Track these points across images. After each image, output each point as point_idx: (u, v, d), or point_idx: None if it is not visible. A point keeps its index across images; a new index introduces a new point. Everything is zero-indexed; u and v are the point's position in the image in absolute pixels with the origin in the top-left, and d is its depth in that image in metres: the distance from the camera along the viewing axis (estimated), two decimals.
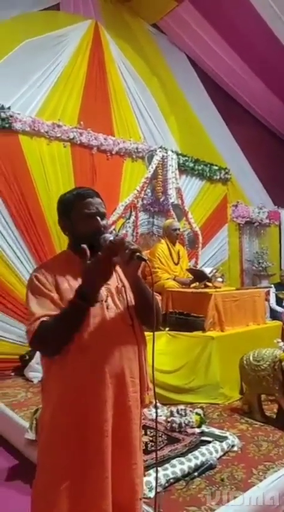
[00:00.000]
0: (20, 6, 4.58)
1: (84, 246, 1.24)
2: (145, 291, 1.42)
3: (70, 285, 1.33)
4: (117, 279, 1.44)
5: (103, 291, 1.36)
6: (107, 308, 1.35)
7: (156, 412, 1.44)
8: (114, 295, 1.40)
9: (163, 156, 5.38)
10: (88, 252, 1.23)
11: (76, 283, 1.31)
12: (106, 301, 1.36)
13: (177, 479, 2.10)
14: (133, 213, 5.08)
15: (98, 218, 1.39)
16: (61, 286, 1.33)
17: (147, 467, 2.09)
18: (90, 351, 1.29)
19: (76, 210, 1.40)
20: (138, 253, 1.27)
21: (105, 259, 1.25)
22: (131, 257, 1.27)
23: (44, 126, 4.38)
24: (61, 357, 1.28)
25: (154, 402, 1.47)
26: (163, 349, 3.69)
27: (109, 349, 1.33)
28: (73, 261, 1.39)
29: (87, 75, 5.00)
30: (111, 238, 1.34)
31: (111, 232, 1.75)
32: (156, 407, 1.49)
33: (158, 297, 1.45)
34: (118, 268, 1.42)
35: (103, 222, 1.40)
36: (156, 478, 1.56)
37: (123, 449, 1.33)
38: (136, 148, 5.24)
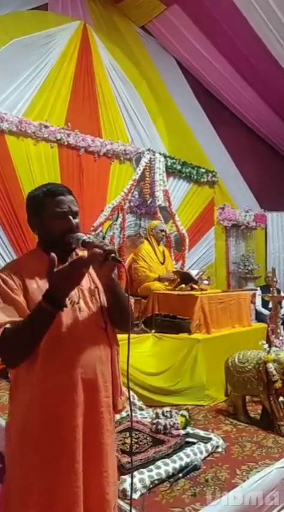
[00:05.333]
0: (9, 5, 4.55)
1: (53, 255, 1.12)
2: (119, 293, 1.37)
3: (39, 286, 1.26)
4: (90, 280, 1.38)
5: (75, 293, 1.30)
6: (79, 310, 1.30)
7: (131, 413, 1.41)
8: (87, 297, 1.34)
9: (150, 158, 5.39)
10: (56, 262, 1.12)
11: (46, 284, 1.21)
12: (78, 303, 1.30)
13: (161, 481, 2.10)
14: (120, 215, 5.08)
15: (70, 217, 1.32)
16: (29, 287, 1.26)
17: (132, 469, 2.09)
18: (61, 355, 1.23)
19: (47, 208, 1.32)
20: (113, 255, 1.24)
21: (75, 268, 1.14)
22: (106, 258, 1.22)
23: (31, 127, 4.35)
24: (30, 362, 1.21)
25: (128, 407, 1.43)
26: (149, 351, 3.69)
27: (82, 353, 1.27)
28: (43, 260, 1.28)
29: (75, 76, 4.98)
30: (84, 238, 1.30)
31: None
32: (130, 406, 1.42)
33: (131, 299, 1.41)
34: (91, 269, 1.35)
35: (76, 221, 1.34)
36: (132, 484, 1.52)
37: (94, 456, 1.28)
38: (124, 150, 5.24)
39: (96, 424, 1.29)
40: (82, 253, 1.39)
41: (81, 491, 1.22)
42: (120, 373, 1.40)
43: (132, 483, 1.55)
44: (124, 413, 2.91)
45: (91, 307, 1.33)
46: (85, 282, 1.35)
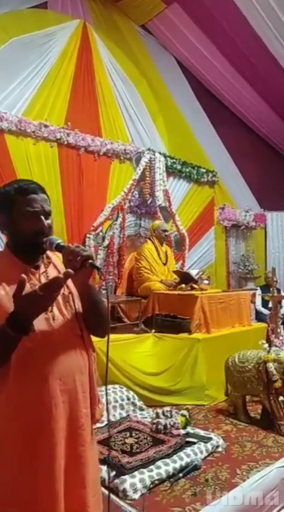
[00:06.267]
0: (8, 4, 4.53)
1: (23, 277, 1.04)
2: (96, 299, 1.30)
3: (7, 292, 1.15)
4: (64, 285, 1.27)
5: None
6: (53, 319, 1.21)
7: (108, 417, 1.35)
8: (61, 303, 1.25)
9: (150, 158, 5.39)
10: (25, 284, 1.05)
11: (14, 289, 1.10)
12: (51, 311, 1.21)
13: (161, 481, 2.10)
14: (120, 214, 5.07)
15: (42, 218, 1.24)
16: None
17: (132, 469, 2.09)
18: (36, 368, 1.15)
19: (18, 207, 1.23)
20: (90, 261, 1.17)
21: (47, 293, 1.06)
22: (82, 264, 1.16)
23: (31, 126, 4.34)
24: (1, 377, 1.12)
25: (105, 415, 1.35)
26: (150, 351, 3.69)
27: (59, 364, 1.18)
28: (12, 263, 1.24)
29: (74, 75, 4.96)
30: (59, 241, 1.23)
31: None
32: (108, 412, 1.37)
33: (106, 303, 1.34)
34: None
35: (48, 222, 1.25)
36: (109, 483, 1.55)
37: (75, 472, 1.21)
38: (124, 150, 5.23)
39: (77, 438, 1.22)
40: (55, 255, 1.34)
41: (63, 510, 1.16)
42: (97, 381, 1.33)
43: (109, 486, 1.45)
44: (124, 414, 2.92)
45: (66, 315, 1.25)
46: None
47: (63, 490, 1.15)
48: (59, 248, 1.23)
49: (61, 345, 1.21)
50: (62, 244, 1.23)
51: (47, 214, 1.26)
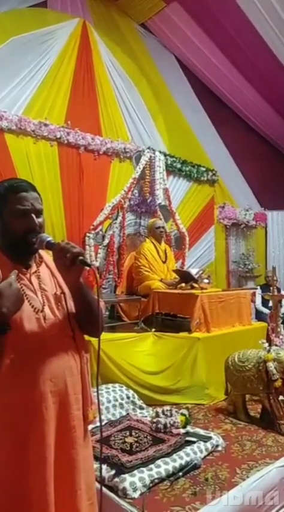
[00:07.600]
0: (8, 3, 4.52)
1: (16, 272, 1.12)
2: (88, 298, 1.27)
3: None
4: (55, 285, 1.29)
5: (39, 299, 1.22)
6: (44, 319, 1.20)
7: (100, 420, 1.32)
8: (52, 303, 1.24)
9: (150, 156, 5.39)
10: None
11: None
12: (42, 311, 1.21)
13: (161, 480, 2.10)
14: (120, 213, 5.07)
15: (33, 216, 1.23)
16: None
17: (132, 468, 2.10)
18: (27, 369, 1.15)
19: (8, 205, 1.22)
20: (81, 257, 1.16)
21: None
22: (73, 262, 1.15)
23: (31, 125, 4.34)
24: None
25: (98, 417, 1.31)
26: (149, 350, 3.69)
27: (50, 365, 1.18)
28: (2, 263, 1.21)
29: (74, 74, 4.96)
30: (49, 239, 1.22)
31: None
32: (100, 413, 1.33)
33: (101, 303, 1.29)
34: (56, 272, 1.28)
35: (39, 220, 1.24)
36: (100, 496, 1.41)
37: (66, 476, 1.19)
38: (124, 149, 5.23)
39: (68, 441, 1.20)
40: (49, 254, 1.32)
41: None
42: (90, 382, 1.32)
43: (101, 492, 1.43)
44: (124, 412, 2.92)
45: (58, 315, 1.24)
46: (51, 287, 1.27)
47: (53, 493, 1.14)
48: (49, 246, 1.22)
49: (52, 345, 1.20)
50: (52, 241, 1.22)
51: (38, 213, 1.25)
